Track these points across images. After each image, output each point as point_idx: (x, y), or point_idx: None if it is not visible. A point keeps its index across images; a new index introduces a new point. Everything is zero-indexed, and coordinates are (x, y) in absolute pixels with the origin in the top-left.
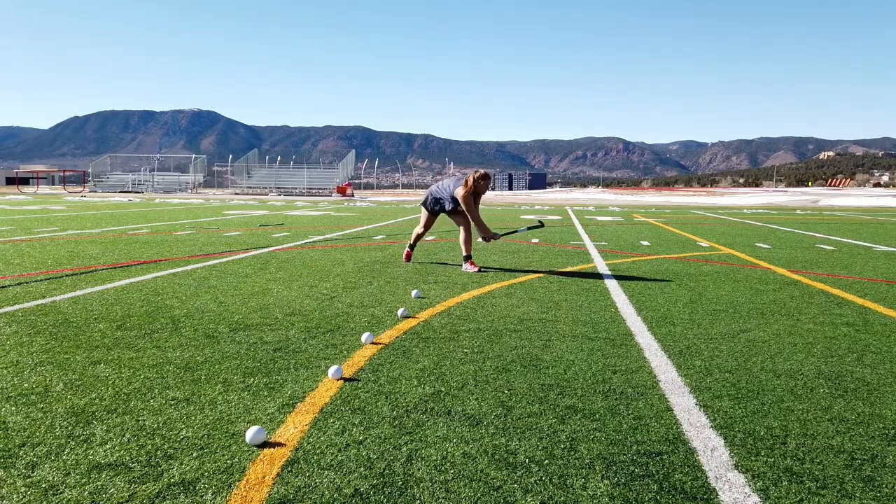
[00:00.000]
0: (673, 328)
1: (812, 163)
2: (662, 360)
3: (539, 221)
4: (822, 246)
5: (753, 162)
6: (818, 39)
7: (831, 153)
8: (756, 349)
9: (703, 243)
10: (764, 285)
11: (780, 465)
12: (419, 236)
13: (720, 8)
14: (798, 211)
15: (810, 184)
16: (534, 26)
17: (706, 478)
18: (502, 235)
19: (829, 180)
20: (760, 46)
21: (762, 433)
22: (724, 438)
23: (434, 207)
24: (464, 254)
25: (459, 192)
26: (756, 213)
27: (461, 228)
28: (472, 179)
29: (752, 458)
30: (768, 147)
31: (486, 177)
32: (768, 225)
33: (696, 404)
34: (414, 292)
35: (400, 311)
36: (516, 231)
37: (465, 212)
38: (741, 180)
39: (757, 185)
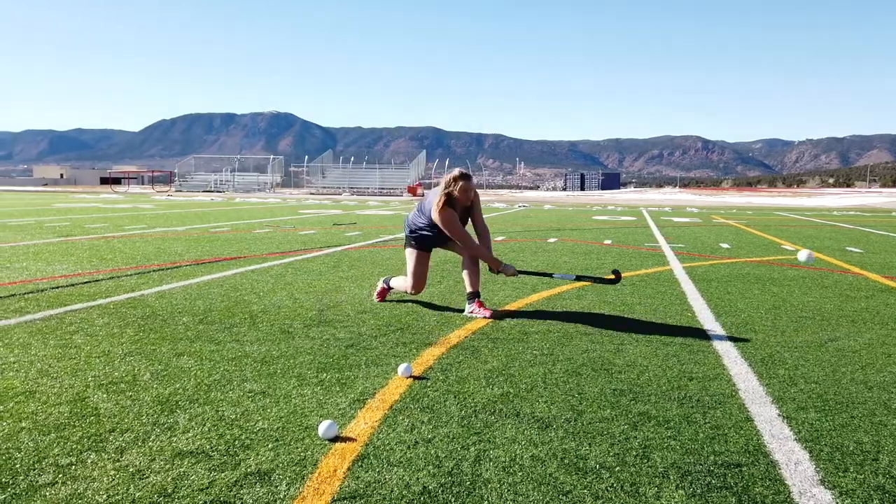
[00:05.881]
0: (754, 335)
1: None
2: (742, 367)
3: (614, 273)
4: None
5: (844, 161)
6: None
7: None
8: (846, 359)
9: (788, 246)
10: (855, 292)
11: (870, 482)
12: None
13: None
14: (894, 213)
15: None
16: (608, 21)
17: (789, 492)
18: (523, 272)
19: None
20: (852, 38)
21: (851, 448)
22: (810, 452)
23: (424, 244)
24: (468, 290)
25: (434, 214)
26: (847, 216)
27: (463, 257)
28: (443, 185)
29: (840, 473)
30: (861, 145)
31: (463, 177)
32: (860, 228)
33: (779, 415)
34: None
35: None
36: (552, 276)
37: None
38: (831, 180)
39: (848, 186)
